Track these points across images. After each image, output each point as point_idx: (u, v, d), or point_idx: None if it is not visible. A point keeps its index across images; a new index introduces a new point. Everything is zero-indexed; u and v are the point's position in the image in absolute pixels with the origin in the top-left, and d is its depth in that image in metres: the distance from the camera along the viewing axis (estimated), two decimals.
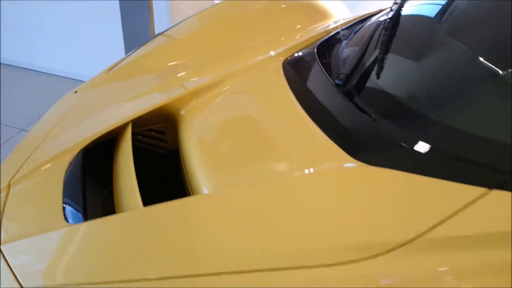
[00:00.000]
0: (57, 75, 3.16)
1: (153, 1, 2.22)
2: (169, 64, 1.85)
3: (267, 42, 1.86)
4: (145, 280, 1.06)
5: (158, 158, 1.68)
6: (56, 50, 3.01)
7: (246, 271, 1.01)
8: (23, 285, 1.12)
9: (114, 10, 2.31)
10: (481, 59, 1.30)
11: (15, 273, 1.15)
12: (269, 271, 1.01)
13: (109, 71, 1.97)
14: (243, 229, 1.12)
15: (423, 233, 1.02)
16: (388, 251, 1.00)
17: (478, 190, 1.06)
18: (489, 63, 1.27)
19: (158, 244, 1.13)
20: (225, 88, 1.63)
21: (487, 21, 1.41)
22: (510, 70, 1.24)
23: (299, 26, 1.99)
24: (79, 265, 1.15)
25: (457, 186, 1.08)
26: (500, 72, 1.25)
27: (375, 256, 0.99)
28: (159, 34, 2.09)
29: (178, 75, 1.76)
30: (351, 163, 1.19)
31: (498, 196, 1.05)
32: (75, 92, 1.87)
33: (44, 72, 3.23)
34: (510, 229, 0.99)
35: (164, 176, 1.61)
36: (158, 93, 1.68)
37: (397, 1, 1.70)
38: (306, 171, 1.23)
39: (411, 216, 1.07)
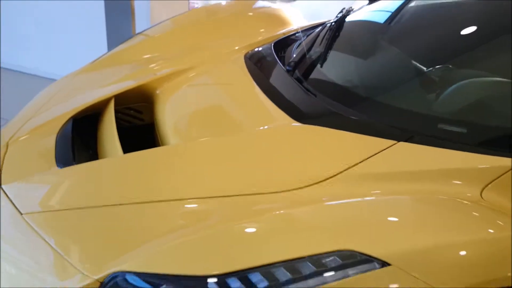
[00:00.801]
0: (42, 76, 3.41)
1: (135, 5, 2.56)
2: (145, 56, 2.14)
3: (233, 41, 2.17)
4: (118, 205, 1.34)
5: (136, 129, 1.95)
6: (40, 51, 3.27)
7: (198, 197, 1.32)
8: (22, 212, 1.37)
9: (99, 13, 2.63)
10: (392, 51, 1.66)
11: (15, 204, 1.40)
12: (230, 197, 1.30)
13: (93, 62, 2.25)
14: (204, 166, 1.42)
15: (345, 169, 1.33)
16: (321, 181, 1.31)
17: (388, 142, 1.39)
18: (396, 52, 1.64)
19: (131, 177, 1.43)
20: (193, 74, 1.94)
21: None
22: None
23: (262, 30, 2.31)
24: (68, 196, 1.42)
25: (374, 139, 1.41)
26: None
27: (311, 185, 1.31)
28: (138, 33, 2.39)
29: (152, 65, 2.05)
30: (294, 123, 1.51)
31: (404, 146, 1.38)
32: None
33: (27, 73, 3.46)
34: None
35: (141, 145, 1.89)
36: (137, 75, 1.97)
37: (340, 13, 2.06)
38: (261, 128, 1.55)
39: (337, 159, 1.38)
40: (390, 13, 1.93)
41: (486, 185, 1.31)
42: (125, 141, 1.64)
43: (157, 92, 1.91)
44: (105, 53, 2.32)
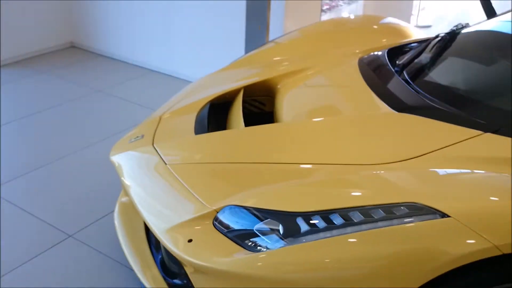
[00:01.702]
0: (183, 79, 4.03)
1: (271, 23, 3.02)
2: (274, 58, 2.51)
3: (354, 47, 2.44)
4: (237, 163, 1.70)
5: (259, 116, 2.31)
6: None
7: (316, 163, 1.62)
8: (166, 162, 1.79)
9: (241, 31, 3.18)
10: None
11: (162, 157, 1.83)
12: (333, 165, 1.59)
13: (231, 64, 2.68)
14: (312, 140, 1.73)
15: (430, 152, 1.55)
16: (412, 158, 1.55)
17: (476, 132, 1.57)
18: None
19: (249, 144, 1.79)
20: (311, 72, 2.25)
21: None
22: None
23: (384, 40, 2.55)
24: (200, 154, 1.81)
25: (456, 127, 1.60)
26: None
27: (400, 161, 1.55)
28: (271, 40, 2.78)
29: (277, 65, 2.41)
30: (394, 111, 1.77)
31: (490, 137, 1.56)
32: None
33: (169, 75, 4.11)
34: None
35: None
36: (264, 73, 2.34)
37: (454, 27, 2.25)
38: (361, 115, 1.82)
39: (430, 141, 1.60)
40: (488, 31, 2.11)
41: None
42: (249, 124, 2.00)
43: (278, 86, 2.26)
44: (241, 56, 2.74)
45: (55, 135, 3.16)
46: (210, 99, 2.21)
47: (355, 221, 1.30)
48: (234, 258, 1.38)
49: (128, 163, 1.94)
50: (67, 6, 4.66)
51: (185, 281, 1.64)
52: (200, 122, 2.07)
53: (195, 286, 1.50)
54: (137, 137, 2.06)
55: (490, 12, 2.60)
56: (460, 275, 1.24)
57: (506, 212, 1.26)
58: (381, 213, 1.30)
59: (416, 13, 5.58)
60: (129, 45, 4.45)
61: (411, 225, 1.25)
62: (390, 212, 1.29)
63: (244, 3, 3.21)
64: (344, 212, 1.33)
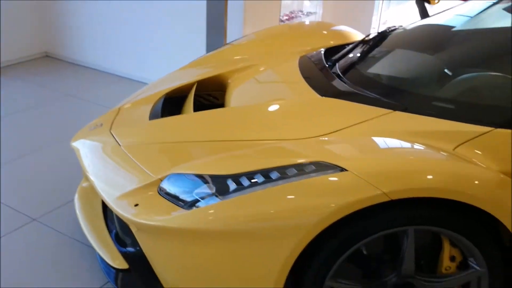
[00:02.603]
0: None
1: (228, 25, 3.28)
2: (230, 57, 2.75)
3: (303, 48, 2.69)
4: (186, 142, 1.91)
5: (211, 108, 2.53)
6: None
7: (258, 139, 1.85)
8: (121, 144, 1.99)
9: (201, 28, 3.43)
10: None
11: (117, 140, 2.03)
12: (260, 141, 1.82)
13: (189, 63, 2.91)
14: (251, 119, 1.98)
15: (352, 125, 1.79)
16: (331, 132, 1.79)
17: (384, 110, 1.82)
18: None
19: (197, 124, 2.01)
20: (259, 68, 2.50)
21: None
22: None
23: (332, 42, 2.81)
24: (154, 135, 2.02)
25: (371, 107, 1.85)
26: None
27: (324, 135, 1.78)
28: (229, 43, 3.02)
29: (232, 62, 2.65)
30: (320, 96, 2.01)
31: (398, 114, 1.80)
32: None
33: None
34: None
35: None
36: (217, 69, 2.57)
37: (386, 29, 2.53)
38: (294, 99, 2.06)
39: (347, 118, 1.84)
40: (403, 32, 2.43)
41: (459, 144, 1.68)
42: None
43: (229, 81, 2.50)
44: (200, 56, 2.97)
45: (25, 134, 3.33)
46: (165, 92, 2.43)
47: (273, 178, 1.52)
48: (172, 216, 1.59)
49: (87, 148, 2.14)
50: (42, 16, 4.86)
51: (137, 248, 1.83)
52: (155, 112, 2.28)
53: (140, 244, 1.69)
54: (97, 125, 2.27)
55: (424, 15, 2.90)
56: (355, 220, 1.46)
57: (395, 165, 1.50)
58: (294, 171, 1.52)
59: (377, 27, 5.90)
60: (102, 54, 4.66)
61: (316, 178, 1.48)
62: (301, 170, 1.52)
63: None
64: (265, 172, 1.55)
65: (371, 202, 1.42)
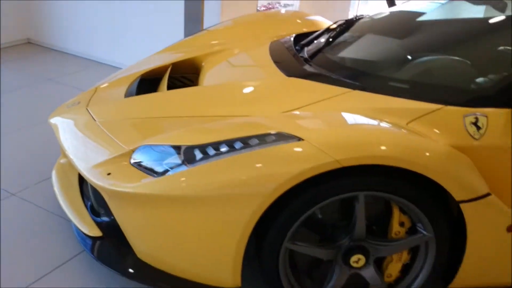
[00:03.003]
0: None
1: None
2: (206, 42, 2.85)
3: (276, 34, 2.81)
4: (158, 117, 2.02)
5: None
6: None
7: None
8: (96, 120, 2.09)
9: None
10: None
11: (93, 116, 2.12)
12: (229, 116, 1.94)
13: (167, 47, 3.01)
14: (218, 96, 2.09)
15: (314, 102, 1.92)
16: (298, 108, 1.91)
17: (345, 89, 1.94)
18: None
19: (168, 101, 2.13)
20: (233, 51, 2.60)
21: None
22: None
23: (305, 29, 2.93)
24: (128, 111, 2.11)
25: (333, 87, 1.98)
26: None
27: (288, 111, 1.90)
28: (205, 29, 3.12)
29: (206, 46, 2.75)
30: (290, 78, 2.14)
31: (358, 93, 1.93)
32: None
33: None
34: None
35: None
36: (192, 52, 2.67)
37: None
38: (262, 80, 2.18)
39: (311, 96, 1.97)
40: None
41: (412, 120, 1.81)
42: None
43: (203, 64, 2.60)
44: (177, 41, 3.07)
45: (5, 115, 3.39)
46: (141, 73, 2.53)
47: (236, 148, 1.64)
48: (141, 183, 1.69)
49: (64, 124, 2.23)
50: (24, 4, 4.90)
51: (111, 217, 1.93)
52: (130, 91, 2.38)
53: (112, 212, 1.80)
54: (74, 103, 2.36)
55: (391, 4, 3.04)
56: (311, 186, 1.59)
57: (348, 135, 1.63)
58: (256, 141, 1.64)
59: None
60: (82, 40, 4.74)
61: (275, 147, 1.60)
62: (263, 140, 1.64)
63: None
64: (229, 142, 1.67)
65: (323, 169, 1.54)
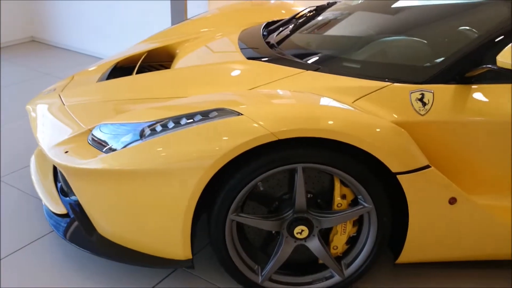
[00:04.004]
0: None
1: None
2: (187, 31, 2.94)
3: (256, 21, 2.88)
4: (122, 100, 2.10)
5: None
6: None
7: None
8: (65, 104, 2.19)
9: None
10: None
11: (63, 100, 2.23)
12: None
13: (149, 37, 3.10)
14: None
15: (269, 82, 2.00)
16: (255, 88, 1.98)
17: (297, 70, 2.01)
18: None
19: (134, 85, 2.21)
20: (206, 38, 2.69)
21: None
22: None
23: (278, 17, 2.99)
24: (96, 94, 2.21)
25: (288, 68, 2.03)
26: None
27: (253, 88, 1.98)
28: (189, 18, 3.21)
29: (183, 35, 2.84)
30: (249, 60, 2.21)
31: (310, 73, 1.99)
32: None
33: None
34: None
35: None
36: (168, 40, 2.77)
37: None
38: (223, 62, 2.27)
39: (267, 77, 2.03)
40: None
41: (359, 98, 1.86)
42: None
43: (177, 51, 2.69)
44: (160, 31, 3.16)
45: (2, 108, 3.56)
46: (117, 61, 2.63)
47: (181, 124, 1.71)
48: (92, 159, 1.78)
49: (38, 109, 2.33)
50: (28, 3, 5.09)
51: (75, 196, 2.03)
52: (103, 78, 2.48)
53: (72, 188, 1.90)
54: (50, 90, 2.47)
55: None
56: (251, 159, 1.65)
57: (287, 110, 1.69)
58: (200, 117, 1.71)
59: None
60: (85, 38, 4.89)
61: (216, 122, 1.67)
62: (206, 115, 1.71)
63: None
64: (176, 119, 1.74)
65: (260, 142, 1.60)
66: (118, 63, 2.63)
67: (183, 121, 1.72)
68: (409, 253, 1.85)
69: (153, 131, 1.74)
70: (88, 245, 1.94)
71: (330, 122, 1.64)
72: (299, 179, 1.70)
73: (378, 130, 1.69)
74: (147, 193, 1.73)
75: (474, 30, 2.05)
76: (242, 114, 1.65)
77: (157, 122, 1.77)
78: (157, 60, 2.75)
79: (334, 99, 1.84)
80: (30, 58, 4.74)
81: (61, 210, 2.08)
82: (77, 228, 2.02)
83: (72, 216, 2.04)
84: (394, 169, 1.67)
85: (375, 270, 2.04)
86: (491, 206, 1.84)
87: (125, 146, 1.78)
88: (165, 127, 1.74)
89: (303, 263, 1.92)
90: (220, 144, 1.62)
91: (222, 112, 1.70)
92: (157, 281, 2.00)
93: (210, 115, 1.71)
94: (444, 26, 2.22)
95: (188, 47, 2.68)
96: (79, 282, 1.99)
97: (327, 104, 1.80)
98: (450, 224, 1.79)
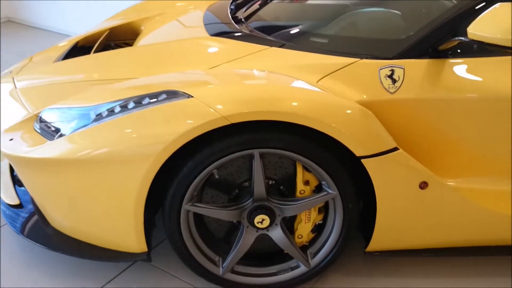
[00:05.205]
0: None
1: None
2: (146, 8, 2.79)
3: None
4: (75, 82, 1.96)
5: None
6: None
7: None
8: (17, 87, 2.05)
9: None
10: None
11: (15, 84, 2.08)
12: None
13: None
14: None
15: (234, 59, 1.86)
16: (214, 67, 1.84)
17: (261, 47, 1.86)
18: None
19: (91, 65, 2.08)
20: (171, 14, 2.53)
21: None
22: None
23: None
24: (49, 76, 2.07)
25: (257, 45, 1.90)
26: None
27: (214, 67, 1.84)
28: None
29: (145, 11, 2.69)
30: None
31: (274, 50, 1.86)
32: None
33: None
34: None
35: None
36: (131, 17, 2.61)
37: None
38: (185, 39, 2.14)
39: (231, 54, 1.90)
40: None
41: (324, 76, 1.72)
42: None
43: (142, 28, 2.53)
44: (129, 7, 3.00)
45: None
46: (77, 39, 2.48)
47: (129, 108, 1.58)
48: (38, 147, 1.65)
49: None
50: None
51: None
52: (61, 57, 2.33)
53: (18, 176, 1.78)
54: (6, 73, 2.32)
55: None
56: (203, 145, 1.53)
57: (240, 92, 1.55)
58: (148, 100, 1.58)
59: None
60: (62, 17, 4.72)
61: (164, 105, 1.53)
62: (154, 98, 1.57)
63: None
64: (123, 103, 1.61)
65: (211, 126, 1.47)
66: (78, 42, 2.48)
67: (131, 104, 1.59)
68: (379, 241, 1.74)
69: (99, 116, 1.61)
70: (43, 239, 1.82)
71: (286, 104, 1.50)
72: (257, 165, 1.57)
73: (339, 111, 1.55)
74: (94, 183, 1.60)
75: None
76: (192, 97, 1.52)
77: (101, 106, 1.64)
78: (122, 38, 2.60)
79: (296, 78, 1.70)
80: (6, 40, 4.58)
81: (12, 200, 1.96)
82: (29, 217, 1.90)
83: (24, 207, 1.93)
84: (358, 152, 1.54)
85: (349, 260, 1.94)
86: (466, 190, 1.72)
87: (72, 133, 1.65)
88: (111, 112, 1.61)
89: (268, 253, 1.82)
90: (170, 128, 1.48)
91: (173, 95, 1.56)
92: (117, 273, 1.90)
93: (159, 98, 1.57)
94: None
95: (155, 23, 2.52)
96: (35, 276, 1.88)
97: (285, 84, 1.67)
98: (421, 210, 1.67)
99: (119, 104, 1.61)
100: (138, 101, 1.59)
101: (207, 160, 1.54)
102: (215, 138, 1.52)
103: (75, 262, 1.93)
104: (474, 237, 1.77)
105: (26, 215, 1.91)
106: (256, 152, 1.55)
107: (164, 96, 1.57)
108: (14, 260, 1.96)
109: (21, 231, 1.87)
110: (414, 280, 1.88)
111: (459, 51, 1.69)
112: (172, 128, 1.48)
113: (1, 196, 2.02)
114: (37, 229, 1.84)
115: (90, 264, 1.92)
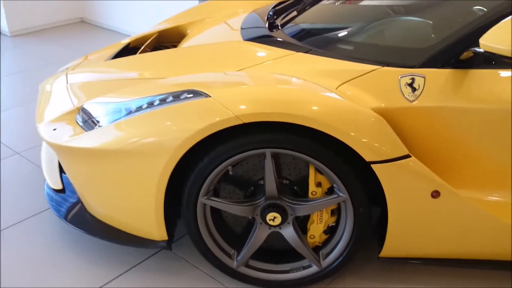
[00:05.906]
0: None
1: None
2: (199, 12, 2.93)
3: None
4: (123, 79, 2.13)
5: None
6: None
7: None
8: (68, 82, 2.24)
9: None
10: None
11: (67, 79, 2.28)
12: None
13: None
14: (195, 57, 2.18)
15: (261, 63, 1.95)
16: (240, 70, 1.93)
17: (287, 52, 1.93)
18: None
19: (138, 64, 2.24)
20: (218, 18, 2.66)
21: None
22: None
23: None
24: (99, 73, 2.25)
25: (284, 50, 1.97)
26: None
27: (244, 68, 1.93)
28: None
29: (194, 16, 2.83)
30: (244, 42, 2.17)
31: (303, 55, 1.93)
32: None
33: None
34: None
35: None
36: (179, 21, 2.76)
37: None
38: (221, 43, 2.26)
39: (260, 58, 1.98)
40: None
41: (344, 82, 1.76)
42: None
43: (188, 31, 2.67)
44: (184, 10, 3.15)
45: (31, 86, 3.72)
46: (129, 41, 2.66)
47: (154, 105, 1.71)
48: (75, 137, 1.82)
49: (46, 88, 2.42)
50: None
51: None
52: (111, 57, 2.52)
53: (61, 164, 1.95)
54: (63, 69, 2.54)
55: None
56: (218, 142, 1.61)
57: (256, 93, 1.63)
58: (171, 98, 1.69)
59: None
60: (133, 19, 5.00)
61: (184, 103, 1.64)
62: (177, 97, 1.69)
63: None
64: (150, 100, 1.74)
65: (225, 125, 1.55)
66: (130, 43, 2.66)
67: (157, 102, 1.72)
68: (392, 247, 1.75)
69: (129, 112, 1.75)
70: (81, 223, 1.99)
71: (298, 107, 1.56)
72: (268, 164, 1.64)
73: (351, 116, 1.59)
74: (120, 172, 1.74)
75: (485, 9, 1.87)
76: (210, 96, 1.62)
77: (131, 102, 1.78)
78: (170, 40, 2.75)
79: (317, 83, 1.76)
80: (77, 39, 4.92)
81: (56, 185, 2.15)
82: (70, 202, 2.08)
83: (65, 189, 2.11)
84: (368, 158, 1.57)
85: (367, 264, 1.96)
86: (480, 201, 1.69)
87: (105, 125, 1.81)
88: (139, 108, 1.74)
89: (283, 251, 1.88)
90: (186, 125, 1.59)
91: (193, 94, 1.67)
92: (142, 259, 2.03)
93: (181, 97, 1.69)
94: (455, 6, 2.04)
95: (202, 26, 2.66)
96: (73, 257, 2.06)
97: (301, 88, 1.73)
98: (433, 219, 1.67)
99: (147, 102, 1.74)
100: (163, 99, 1.71)
101: (221, 157, 1.63)
102: (230, 137, 1.61)
103: (104, 246, 2.09)
104: (488, 249, 1.73)
105: (72, 202, 2.09)
106: (267, 151, 1.62)
107: (185, 95, 1.68)
108: (55, 240, 2.15)
109: (65, 216, 2.06)
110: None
111: (481, 62, 1.67)
112: (189, 125, 1.59)
113: (46, 180, 2.22)
114: (78, 215, 2.02)
115: (118, 249, 2.07)
